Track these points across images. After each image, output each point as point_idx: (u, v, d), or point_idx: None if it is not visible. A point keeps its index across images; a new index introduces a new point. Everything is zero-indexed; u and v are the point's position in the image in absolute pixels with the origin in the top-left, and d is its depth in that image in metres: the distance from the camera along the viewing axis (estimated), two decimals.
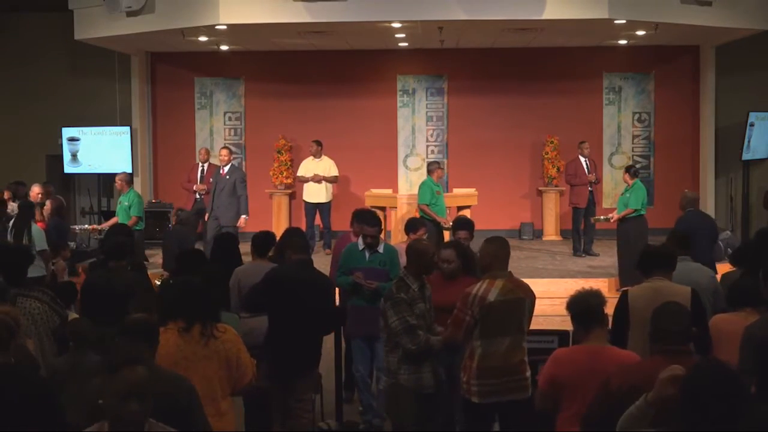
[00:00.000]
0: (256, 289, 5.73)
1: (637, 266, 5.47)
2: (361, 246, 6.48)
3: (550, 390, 4.16)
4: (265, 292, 5.66)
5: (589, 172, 12.39)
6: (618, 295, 5.34)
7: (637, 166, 14.33)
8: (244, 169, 14.46)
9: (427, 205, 10.59)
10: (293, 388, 5.59)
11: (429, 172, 11.12)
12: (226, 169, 11.20)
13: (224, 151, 11.42)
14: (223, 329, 4.28)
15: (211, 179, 11.67)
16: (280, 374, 5.52)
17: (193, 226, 11.00)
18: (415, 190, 11.18)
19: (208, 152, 13.06)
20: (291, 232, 6.77)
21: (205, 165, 12.63)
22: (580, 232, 12.37)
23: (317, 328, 5.74)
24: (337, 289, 6.51)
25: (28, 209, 8.81)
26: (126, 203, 10.55)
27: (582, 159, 12.47)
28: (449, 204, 11.75)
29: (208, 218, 11.25)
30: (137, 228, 10.37)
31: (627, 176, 10.82)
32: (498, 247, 5.19)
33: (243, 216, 11.06)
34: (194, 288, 4.41)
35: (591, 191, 12.33)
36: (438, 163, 11.64)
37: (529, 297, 5.15)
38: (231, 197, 11.05)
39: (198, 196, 12.26)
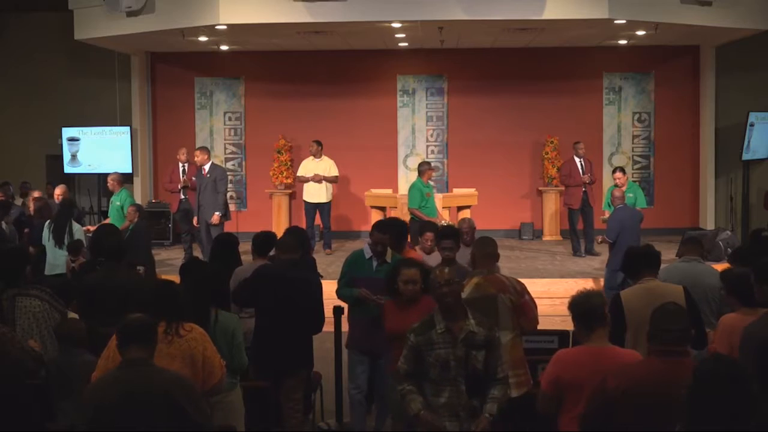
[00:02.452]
0: (244, 284, 5.76)
1: (623, 268, 5.47)
2: (368, 254, 6.01)
3: (555, 392, 4.13)
4: (251, 287, 5.68)
5: (583, 173, 12.36)
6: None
7: (636, 166, 14.43)
8: (244, 170, 14.51)
9: (417, 209, 10.52)
10: (282, 388, 5.57)
11: (420, 173, 10.97)
12: (207, 168, 11.21)
13: (198, 152, 11.36)
14: (189, 328, 4.29)
15: (193, 178, 11.66)
16: (266, 373, 5.48)
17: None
18: None
19: (187, 152, 12.97)
20: (285, 231, 6.78)
21: (186, 165, 12.60)
22: (578, 232, 12.35)
23: (303, 328, 5.68)
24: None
25: (69, 208, 9.16)
26: (118, 203, 10.59)
27: (577, 159, 12.45)
28: (449, 204, 11.75)
29: (197, 222, 11.25)
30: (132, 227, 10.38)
31: (623, 176, 10.83)
32: (476, 248, 5.38)
33: (216, 213, 10.97)
34: (159, 287, 4.44)
35: (585, 192, 12.31)
36: (429, 163, 11.46)
37: (505, 293, 5.13)
38: (213, 194, 11.07)
39: (183, 196, 12.23)
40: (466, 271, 6.02)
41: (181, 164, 12.52)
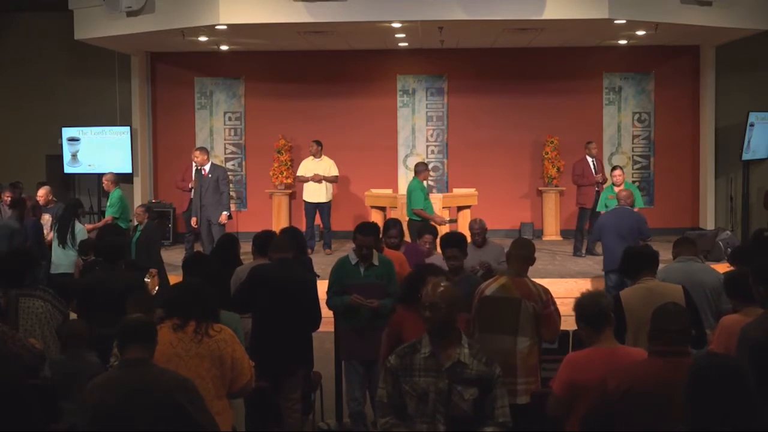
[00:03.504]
0: (241, 289, 5.72)
1: (622, 268, 5.44)
2: (354, 260, 5.87)
3: (569, 396, 4.06)
4: (248, 290, 5.64)
5: (596, 172, 12.40)
6: None
7: (636, 166, 14.43)
8: (244, 170, 14.51)
9: (423, 209, 10.42)
10: (281, 388, 5.56)
11: (417, 173, 10.83)
12: (207, 168, 11.12)
13: (198, 152, 11.23)
14: (218, 329, 4.27)
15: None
16: (265, 373, 5.41)
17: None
18: None
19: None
20: (280, 231, 6.78)
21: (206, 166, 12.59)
22: (584, 232, 12.34)
23: (300, 326, 5.65)
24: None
25: (73, 207, 9.24)
26: (109, 203, 10.67)
27: (589, 159, 12.48)
28: (449, 204, 11.75)
29: (196, 222, 11.15)
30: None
31: (622, 174, 10.78)
32: (512, 248, 5.32)
33: (224, 212, 10.94)
34: (191, 287, 4.42)
35: (598, 191, 12.31)
36: (426, 164, 11.41)
37: (529, 299, 5.06)
38: (216, 194, 11.01)
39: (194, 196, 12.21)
40: (475, 278, 5.91)
41: (194, 164, 12.53)
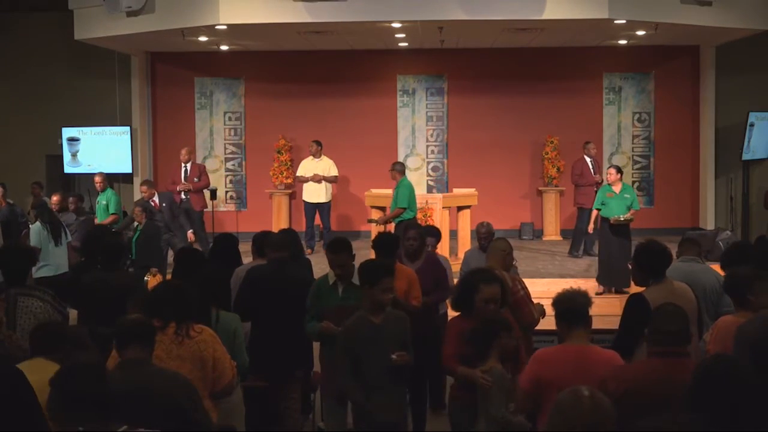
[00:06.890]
0: (241, 295, 5.64)
1: (648, 268, 5.22)
2: (332, 279, 5.29)
3: (534, 390, 4.07)
4: (248, 294, 5.60)
5: (594, 173, 12.38)
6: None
7: (636, 166, 14.41)
8: (244, 170, 14.52)
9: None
10: (279, 388, 5.55)
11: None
12: (183, 196, 11.39)
13: (145, 187, 10.91)
14: (199, 330, 4.27)
15: (187, 189, 11.48)
16: (264, 374, 5.42)
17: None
18: (417, 191, 10.84)
19: (189, 152, 12.93)
20: (282, 231, 6.78)
21: (188, 165, 12.57)
22: (584, 232, 12.28)
23: (298, 327, 5.56)
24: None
25: (46, 207, 9.36)
26: (104, 202, 10.69)
27: (587, 159, 12.47)
28: (450, 204, 11.72)
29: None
30: (116, 225, 10.46)
31: (616, 174, 10.40)
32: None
33: (189, 231, 11.20)
34: (170, 288, 4.42)
35: (597, 191, 12.27)
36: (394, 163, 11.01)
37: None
38: (187, 220, 11.22)
39: (184, 196, 12.18)
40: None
41: (183, 165, 12.51)
